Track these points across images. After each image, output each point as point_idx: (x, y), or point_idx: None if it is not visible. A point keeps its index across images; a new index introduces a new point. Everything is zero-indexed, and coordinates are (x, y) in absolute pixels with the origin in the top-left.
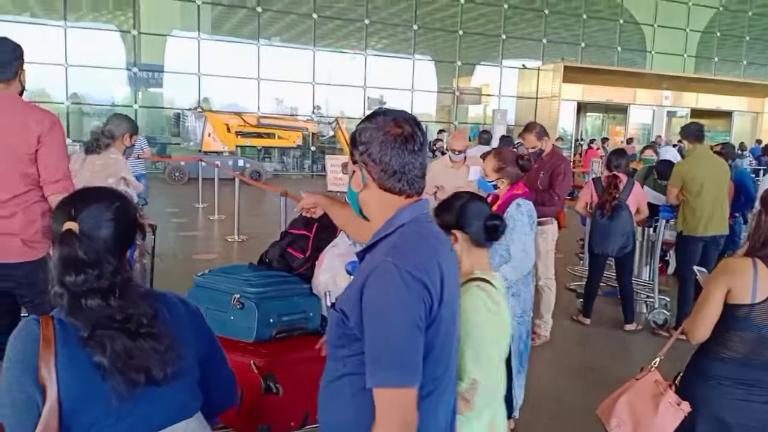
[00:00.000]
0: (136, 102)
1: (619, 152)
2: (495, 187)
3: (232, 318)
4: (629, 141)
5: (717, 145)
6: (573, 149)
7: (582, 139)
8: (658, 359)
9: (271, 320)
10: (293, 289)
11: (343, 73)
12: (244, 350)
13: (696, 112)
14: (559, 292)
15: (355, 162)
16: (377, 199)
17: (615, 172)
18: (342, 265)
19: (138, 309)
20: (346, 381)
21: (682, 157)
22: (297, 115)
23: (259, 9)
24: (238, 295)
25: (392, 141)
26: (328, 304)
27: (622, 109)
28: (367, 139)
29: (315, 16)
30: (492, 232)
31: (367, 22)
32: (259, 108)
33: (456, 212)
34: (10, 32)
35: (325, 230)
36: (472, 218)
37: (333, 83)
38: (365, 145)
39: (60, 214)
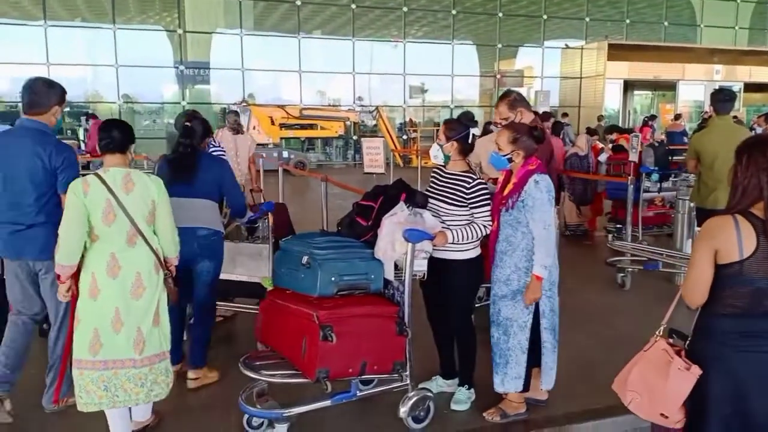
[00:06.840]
0: (183, 99)
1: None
2: (510, 161)
3: (302, 276)
4: (676, 117)
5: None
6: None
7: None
8: (661, 328)
9: (333, 279)
10: (355, 253)
11: (383, 62)
12: (309, 303)
13: (750, 86)
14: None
15: None
16: None
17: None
18: (400, 232)
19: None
20: None
21: None
22: (339, 106)
23: (298, 2)
24: (306, 257)
25: None
26: (390, 269)
27: (671, 86)
28: None
29: (354, 6)
30: (106, 142)
31: (405, 9)
32: (301, 100)
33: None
34: (64, 37)
35: (390, 202)
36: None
37: (373, 72)
38: None
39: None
